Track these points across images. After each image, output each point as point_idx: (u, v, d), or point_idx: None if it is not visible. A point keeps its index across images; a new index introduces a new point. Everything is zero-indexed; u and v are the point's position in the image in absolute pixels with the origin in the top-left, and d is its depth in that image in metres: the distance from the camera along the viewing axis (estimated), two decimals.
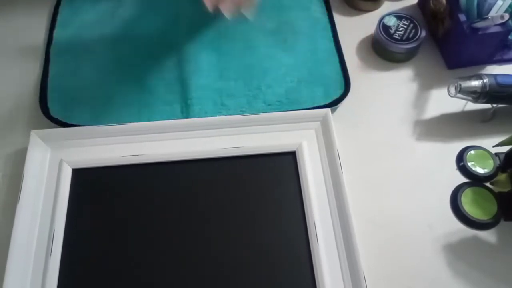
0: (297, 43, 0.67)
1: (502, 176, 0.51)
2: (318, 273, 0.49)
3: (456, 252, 0.52)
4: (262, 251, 0.51)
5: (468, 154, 0.52)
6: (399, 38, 0.64)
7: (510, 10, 0.60)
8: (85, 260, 0.50)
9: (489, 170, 0.51)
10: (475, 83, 0.57)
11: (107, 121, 0.59)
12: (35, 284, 0.49)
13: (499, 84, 0.56)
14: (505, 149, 0.53)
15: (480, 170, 0.51)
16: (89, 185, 0.55)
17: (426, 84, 0.64)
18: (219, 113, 0.60)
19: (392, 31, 0.64)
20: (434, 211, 0.54)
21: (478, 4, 0.60)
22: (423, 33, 0.64)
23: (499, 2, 0.60)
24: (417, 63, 0.66)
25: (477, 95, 0.57)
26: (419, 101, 0.63)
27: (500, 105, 0.59)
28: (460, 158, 0.52)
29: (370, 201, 0.55)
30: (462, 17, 0.61)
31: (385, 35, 0.64)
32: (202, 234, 0.52)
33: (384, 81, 0.65)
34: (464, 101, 0.60)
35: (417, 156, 0.59)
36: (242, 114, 0.59)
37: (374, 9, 0.72)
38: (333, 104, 0.61)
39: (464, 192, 0.51)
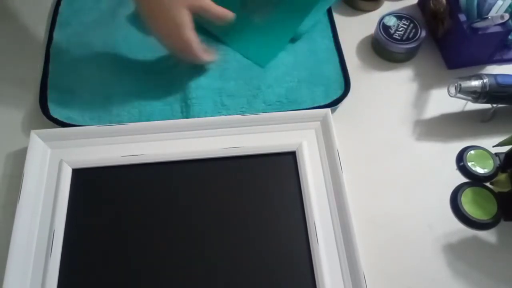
0: (297, 43, 0.66)
1: (502, 176, 0.51)
2: (318, 273, 0.49)
3: (456, 252, 0.52)
4: (262, 251, 0.51)
5: (468, 154, 0.52)
6: (399, 38, 0.64)
7: (510, 10, 0.60)
8: (85, 260, 0.50)
9: (489, 170, 0.51)
10: (475, 83, 0.56)
11: (107, 121, 0.59)
12: (35, 284, 0.49)
13: (499, 84, 0.56)
14: (505, 149, 0.53)
15: (480, 170, 0.51)
16: (89, 185, 0.55)
17: (426, 84, 0.64)
18: (219, 113, 0.60)
19: (392, 31, 0.64)
20: (434, 211, 0.54)
21: (478, 4, 0.60)
22: (423, 33, 0.64)
23: (499, 2, 0.60)
24: (417, 63, 0.66)
25: (477, 95, 0.57)
26: (419, 101, 0.63)
27: (500, 105, 0.59)
28: (460, 158, 0.52)
29: (370, 201, 0.55)
30: (462, 17, 0.61)
31: (385, 35, 0.64)
32: (201, 234, 0.52)
33: (384, 81, 0.65)
34: (464, 101, 0.60)
35: (417, 156, 0.59)
36: (242, 114, 0.59)
37: (374, 9, 0.72)
38: (333, 104, 0.61)
39: (464, 192, 0.51)
